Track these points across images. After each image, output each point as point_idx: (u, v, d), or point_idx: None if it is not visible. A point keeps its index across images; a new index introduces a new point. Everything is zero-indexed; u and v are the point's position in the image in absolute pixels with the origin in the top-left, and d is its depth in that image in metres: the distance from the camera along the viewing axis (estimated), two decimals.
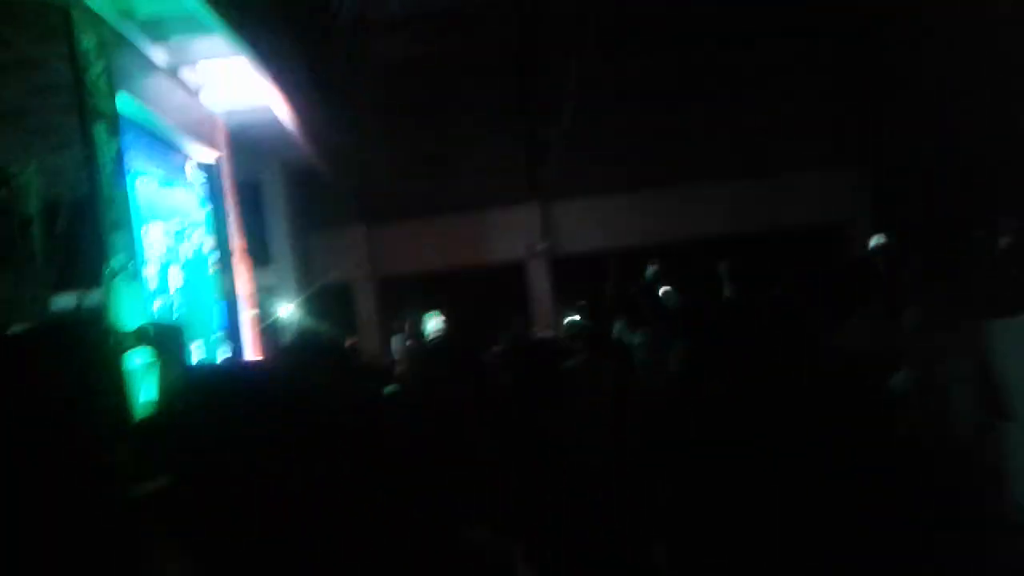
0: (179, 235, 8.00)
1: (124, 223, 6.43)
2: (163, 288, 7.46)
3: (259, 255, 11.68)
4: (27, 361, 5.14)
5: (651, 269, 6.94)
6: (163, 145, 7.89)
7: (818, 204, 15.12)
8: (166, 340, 5.39)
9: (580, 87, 13.68)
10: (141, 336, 5.44)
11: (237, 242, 9.67)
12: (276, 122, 10.48)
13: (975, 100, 12.88)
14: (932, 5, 13.04)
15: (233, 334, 9.21)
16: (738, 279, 6.45)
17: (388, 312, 14.80)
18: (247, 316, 9.66)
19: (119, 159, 6.50)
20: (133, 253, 6.54)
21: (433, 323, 8.98)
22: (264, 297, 11.48)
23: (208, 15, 6.81)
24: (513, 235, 15.03)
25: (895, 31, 14.51)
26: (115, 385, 5.95)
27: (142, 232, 7.02)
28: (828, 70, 15.20)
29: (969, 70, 12.87)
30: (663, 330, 5.97)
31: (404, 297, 14.98)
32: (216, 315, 8.94)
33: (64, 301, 5.97)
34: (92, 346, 5.65)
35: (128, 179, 6.58)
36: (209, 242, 8.96)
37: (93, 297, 6.07)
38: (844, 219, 15.13)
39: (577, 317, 7.62)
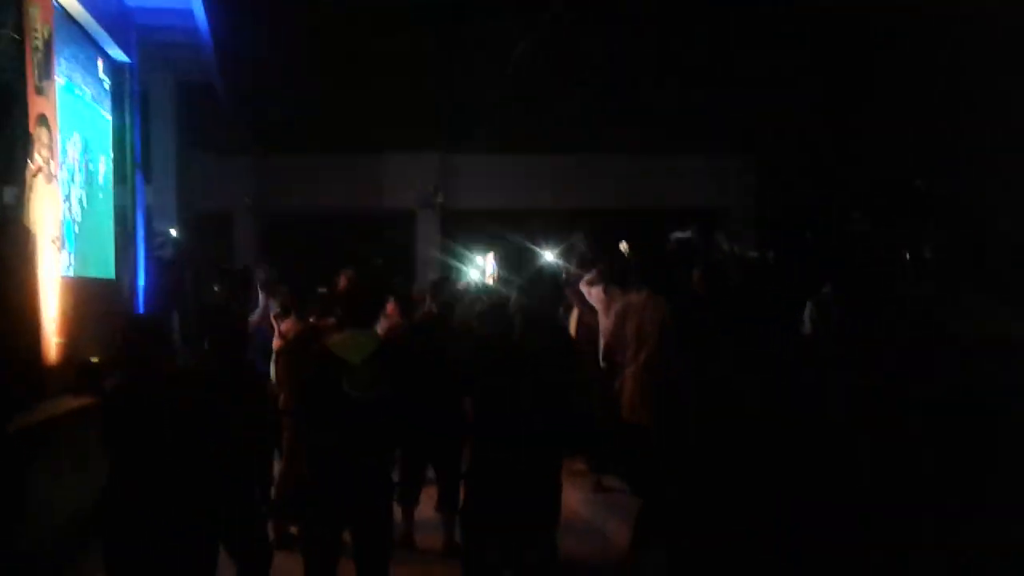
0: (88, 140, 7.36)
1: (48, 119, 5.87)
2: (67, 194, 6.86)
3: (143, 170, 10.94)
4: None
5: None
6: (81, 39, 7.22)
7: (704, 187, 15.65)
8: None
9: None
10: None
11: (135, 154, 8.99)
12: (184, 31, 9.85)
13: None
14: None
15: (127, 248, 8.58)
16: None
17: (269, 247, 14.35)
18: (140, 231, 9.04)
19: (49, 49, 5.91)
20: (54, 153, 5.98)
21: None
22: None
23: None
24: (407, 183, 14.74)
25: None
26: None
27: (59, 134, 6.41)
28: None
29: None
30: None
31: (287, 234, 14.55)
32: (112, 227, 8.31)
33: None
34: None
35: (56, 73, 6.01)
36: (111, 150, 8.29)
37: (9, 193, 5.50)
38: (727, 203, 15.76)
39: None
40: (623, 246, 6.76)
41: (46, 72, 5.78)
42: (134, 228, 8.72)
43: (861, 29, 13.80)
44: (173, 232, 10.59)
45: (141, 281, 8.89)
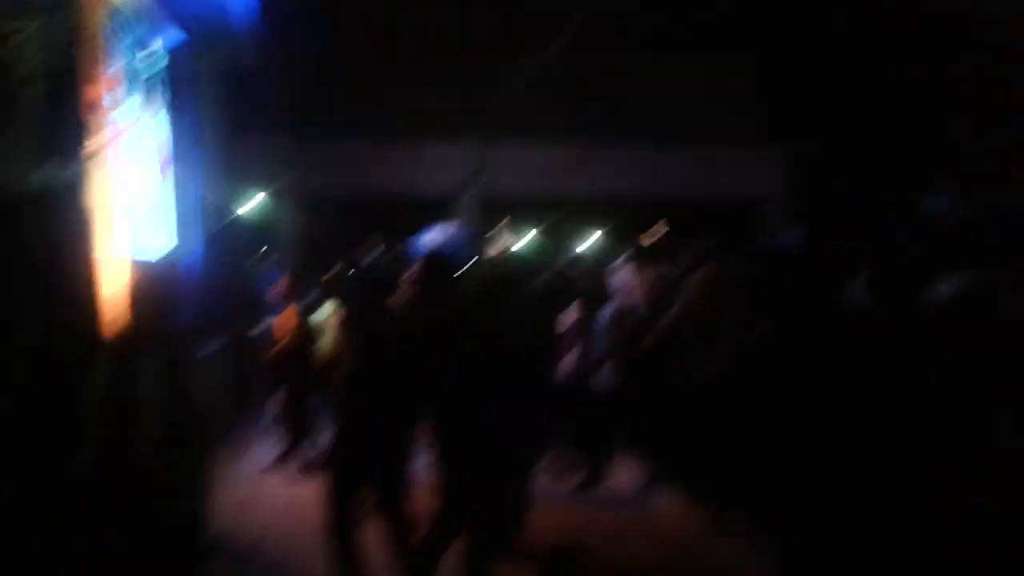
0: (147, 123, 7.52)
1: (103, 103, 6.02)
2: (126, 177, 7.02)
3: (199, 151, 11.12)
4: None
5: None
6: (138, 20, 7.37)
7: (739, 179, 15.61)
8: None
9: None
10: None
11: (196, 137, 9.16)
12: (233, 15, 9.98)
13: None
14: None
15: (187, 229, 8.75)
16: None
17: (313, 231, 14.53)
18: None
19: (106, 32, 6.07)
20: (112, 136, 6.14)
21: None
22: None
23: None
24: (447, 170, 14.88)
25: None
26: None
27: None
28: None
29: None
30: None
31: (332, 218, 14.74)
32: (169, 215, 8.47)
33: (45, 173, 5.55)
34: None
35: (113, 56, 6.16)
36: (167, 135, 8.44)
37: (69, 172, 5.67)
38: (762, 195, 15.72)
39: None
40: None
41: (102, 56, 5.94)
42: (196, 208, 8.88)
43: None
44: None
45: (201, 260, 9.05)
